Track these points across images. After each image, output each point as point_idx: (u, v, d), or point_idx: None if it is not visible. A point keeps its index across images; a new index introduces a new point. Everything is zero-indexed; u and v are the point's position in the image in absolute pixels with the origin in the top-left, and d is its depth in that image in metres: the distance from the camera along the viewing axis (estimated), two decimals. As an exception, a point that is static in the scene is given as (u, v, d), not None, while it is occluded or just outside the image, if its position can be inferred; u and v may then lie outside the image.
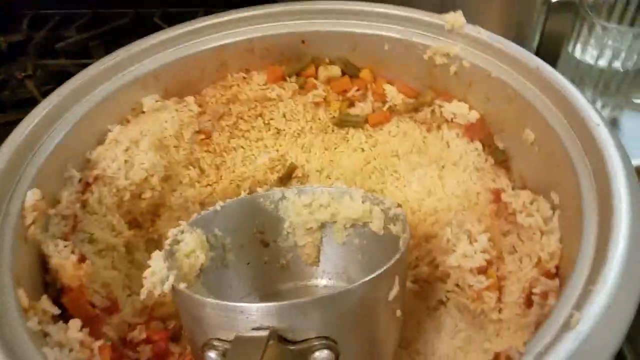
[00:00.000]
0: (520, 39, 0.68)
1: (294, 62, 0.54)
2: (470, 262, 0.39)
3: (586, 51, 0.76)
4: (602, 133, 0.36)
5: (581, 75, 0.78)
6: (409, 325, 0.42)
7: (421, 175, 0.50)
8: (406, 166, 0.51)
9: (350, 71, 0.54)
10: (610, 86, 0.77)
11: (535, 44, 0.78)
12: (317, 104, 0.53)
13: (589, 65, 0.76)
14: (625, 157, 0.35)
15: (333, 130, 0.53)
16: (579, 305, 0.29)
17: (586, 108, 0.38)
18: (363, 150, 0.52)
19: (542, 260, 0.37)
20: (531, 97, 0.42)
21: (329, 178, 0.51)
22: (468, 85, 0.48)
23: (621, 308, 0.29)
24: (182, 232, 0.38)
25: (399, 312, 0.35)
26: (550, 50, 0.81)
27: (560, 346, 0.27)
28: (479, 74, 0.46)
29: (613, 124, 0.83)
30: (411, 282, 0.44)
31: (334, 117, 0.53)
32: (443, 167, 0.50)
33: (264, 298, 0.43)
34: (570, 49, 0.78)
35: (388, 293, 0.33)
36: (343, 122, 0.53)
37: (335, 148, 0.52)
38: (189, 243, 0.37)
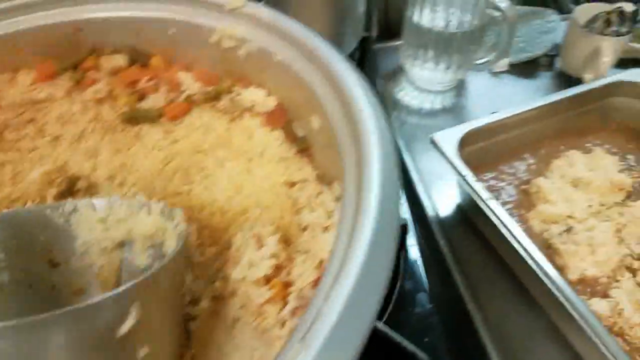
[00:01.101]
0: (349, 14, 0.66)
1: (70, 54, 0.46)
2: (255, 271, 0.36)
3: (423, 15, 0.75)
4: (365, 121, 0.33)
5: (423, 39, 0.77)
6: (211, 352, 0.39)
7: (230, 171, 0.46)
8: (213, 162, 0.47)
9: (140, 59, 0.47)
10: (450, 48, 0.76)
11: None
12: (100, 101, 0.46)
13: (427, 29, 0.75)
14: (388, 146, 0.32)
15: (123, 129, 0.47)
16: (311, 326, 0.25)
17: (357, 93, 0.34)
18: (161, 148, 0.47)
19: (325, 261, 0.34)
20: (313, 82, 0.38)
21: (123, 185, 0.45)
22: (260, 69, 0.44)
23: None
24: None
25: (143, 351, 0.30)
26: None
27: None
28: (267, 57, 0.42)
29: (460, 85, 0.84)
30: (209, 301, 0.40)
31: (123, 113, 0.46)
32: (251, 159, 0.46)
33: None
34: (409, 14, 0.77)
35: (116, 327, 0.28)
36: (134, 119, 0.46)
37: (128, 149, 0.46)
38: None
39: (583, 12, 0.79)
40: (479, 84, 0.85)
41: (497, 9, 0.70)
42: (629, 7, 0.76)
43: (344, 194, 0.32)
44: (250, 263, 0.36)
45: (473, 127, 0.62)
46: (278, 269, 0.36)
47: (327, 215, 0.36)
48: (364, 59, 0.75)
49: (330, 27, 0.62)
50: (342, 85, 0.35)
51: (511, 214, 0.59)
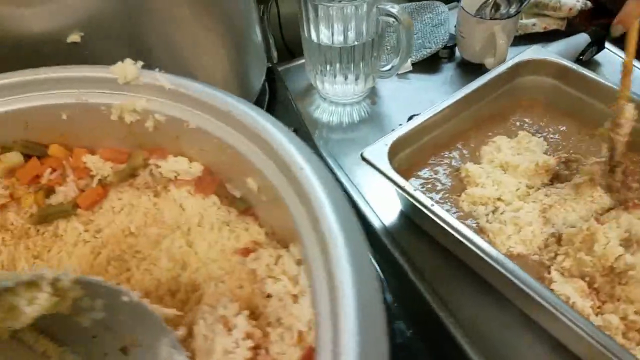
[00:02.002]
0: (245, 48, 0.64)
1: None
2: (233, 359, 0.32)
3: (320, 32, 0.74)
4: (308, 177, 0.31)
5: (326, 56, 0.77)
6: None
7: (168, 247, 0.42)
8: (147, 242, 0.43)
9: (36, 151, 0.42)
10: (355, 60, 0.77)
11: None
12: (2, 207, 0.40)
13: (327, 46, 0.75)
14: (338, 201, 0.30)
15: (38, 231, 0.42)
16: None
17: (289, 152, 0.32)
18: (86, 241, 0.42)
19: (303, 333, 0.32)
20: (237, 144, 0.36)
21: (54, 291, 0.40)
22: (176, 138, 0.40)
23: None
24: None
25: None
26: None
27: None
28: (179, 126, 0.38)
29: (372, 93, 0.85)
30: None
31: (32, 215, 0.41)
32: (189, 231, 0.43)
33: None
34: (305, 34, 0.76)
35: None
36: (47, 217, 0.41)
37: (49, 251, 0.41)
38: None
39: (470, 0, 0.82)
40: (389, 88, 0.86)
41: (390, 15, 0.71)
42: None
43: (306, 258, 0.30)
44: (224, 351, 0.33)
45: (398, 135, 0.63)
46: (257, 348, 0.34)
47: (293, 282, 0.34)
48: (274, 89, 0.74)
49: (234, 68, 0.60)
50: (271, 144, 0.33)
51: (444, 200, 0.61)
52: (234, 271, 0.40)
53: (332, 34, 0.74)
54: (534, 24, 0.88)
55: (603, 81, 0.63)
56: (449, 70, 0.88)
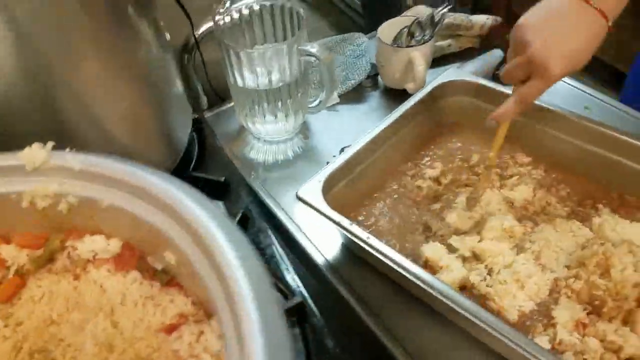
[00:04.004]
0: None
1: None
2: None
3: (245, 77, 0.75)
4: (221, 248, 0.31)
5: (253, 99, 0.77)
6: None
7: (93, 331, 0.41)
8: (71, 329, 0.41)
9: (-59, 249, 0.40)
10: (282, 99, 0.77)
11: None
12: None
13: (253, 89, 0.75)
14: (254, 275, 0.30)
15: (-51, 335, 0.39)
16: None
17: (203, 223, 0.32)
18: (6, 337, 0.40)
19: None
20: (152, 219, 0.35)
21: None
22: (90, 217, 0.39)
23: None
24: None
25: None
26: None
27: None
28: (93, 205, 0.38)
29: (304, 128, 0.86)
30: None
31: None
32: (112, 310, 0.41)
33: None
34: (231, 80, 0.76)
35: None
36: (-41, 319, 0.39)
37: (-36, 355, 0.39)
38: None
39: (386, 30, 0.85)
40: (319, 122, 0.87)
41: (310, 54, 0.73)
42: (427, 11, 0.84)
43: (224, 334, 0.29)
44: None
45: (331, 170, 0.63)
46: None
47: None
48: (203, 138, 0.73)
49: (158, 125, 0.59)
50: (184, 216, 0.33)
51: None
52: (161, 348, 0.39)
53: (257, 77, 0.75)
54: (449, 45, 0.92)
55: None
56: (374, 98, 0.90)
